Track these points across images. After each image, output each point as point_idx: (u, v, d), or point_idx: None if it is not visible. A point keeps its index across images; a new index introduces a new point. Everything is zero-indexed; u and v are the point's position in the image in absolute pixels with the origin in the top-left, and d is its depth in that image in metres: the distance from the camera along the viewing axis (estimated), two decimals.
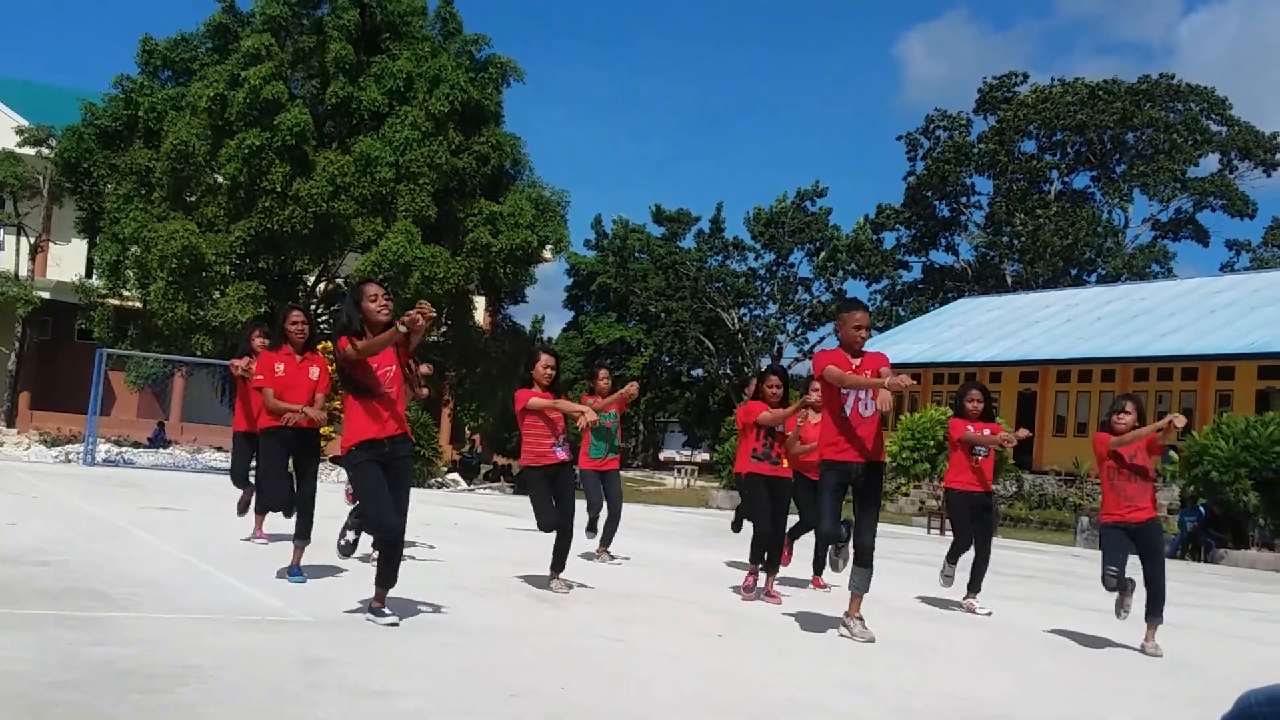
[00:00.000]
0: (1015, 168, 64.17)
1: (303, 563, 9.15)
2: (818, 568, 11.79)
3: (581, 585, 10.29)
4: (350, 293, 7.79)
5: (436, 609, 8.28)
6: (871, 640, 8.32)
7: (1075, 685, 7.51)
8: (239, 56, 33.25)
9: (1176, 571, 20.49)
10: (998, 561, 18.79)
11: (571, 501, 9.80)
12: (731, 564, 13.37)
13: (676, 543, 17.23)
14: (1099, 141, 64.14)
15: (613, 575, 11.66)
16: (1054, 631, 9.95)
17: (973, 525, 11.07)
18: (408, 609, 8.14)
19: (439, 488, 31.22)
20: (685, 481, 44.76)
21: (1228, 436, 24.65)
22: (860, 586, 8.53)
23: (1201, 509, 25.03)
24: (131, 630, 6.65)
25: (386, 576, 7.55)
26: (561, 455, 9.76)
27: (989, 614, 10.78)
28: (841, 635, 8.49)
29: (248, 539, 11.62)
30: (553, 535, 9.74)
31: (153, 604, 7.72)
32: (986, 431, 10.94)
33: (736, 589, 10.73)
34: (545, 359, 9.96)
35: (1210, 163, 64.46)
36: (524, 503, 10.33)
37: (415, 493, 18.99)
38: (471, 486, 33.64)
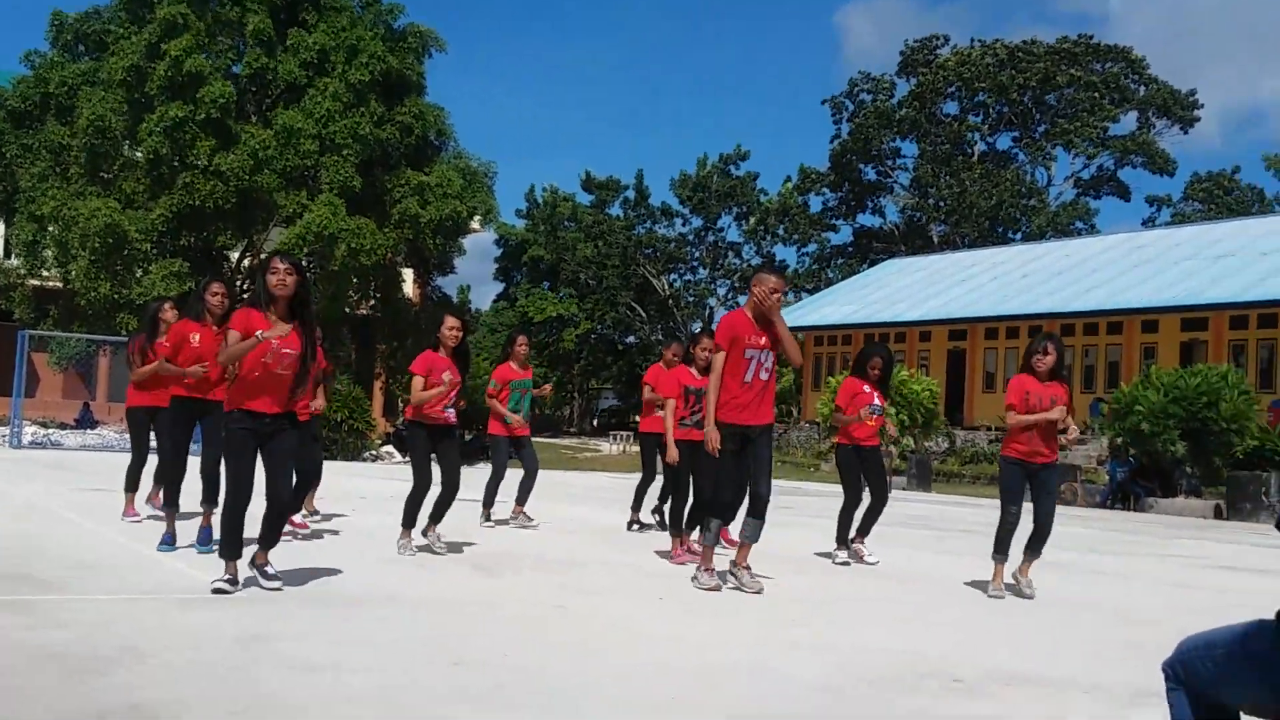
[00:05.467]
0: (939, 130, 64.61)
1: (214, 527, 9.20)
2: (689, 528, 11.73)
3: (514, 554, 10.27)
4: (261, 265, 7.75)
5: (374, 582, 8.22)
6: (759, 591, 8.59)
7: (1016, 636, 7.60)
8: (155, 26, 32.57)
9: (1108, 521, 20.90)
10: (933, 516, 19.04)
11: (457, 461, 9.92)
12: (645, 525, 13.41)
13: (612, 509, 17.24)
14: (1020, 102, 64.71)
15: (550, 543, 11.65)
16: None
17: (861, 479, 11.27)
18: (348, 583, 8.09)
19: (374, 460, 31.02)
20: (620, 448, 44.82)
21: (1157, 388, 25.04)
22: (752, 536, 8.82)
23: (1131, 459, 25.43)
24: (67, 613, 6.54)
25: (268, 541, 7.66)
26: (450, 417, 9.86)
27: (876, 562, 11.02)
28: (729, 587, 8.78)
29: (133, 519, 11.40)
30: (436, 492, 9.86)
31: (88, 586, 7.60)
32: (877, 399, 11.13)
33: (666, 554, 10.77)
34: (450, 320, 10.04)
35: (1130, 121, 65.34)
36: (465, 473, 10.30)
37: (350, 466, 18.82)
38: (406, 458, 33.44)
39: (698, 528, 11.01)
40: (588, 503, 18.20)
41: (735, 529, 9.50)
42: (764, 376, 8.80)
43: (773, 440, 9.13)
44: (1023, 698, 5.75)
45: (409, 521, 9.96)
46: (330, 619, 6.77)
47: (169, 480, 9.79)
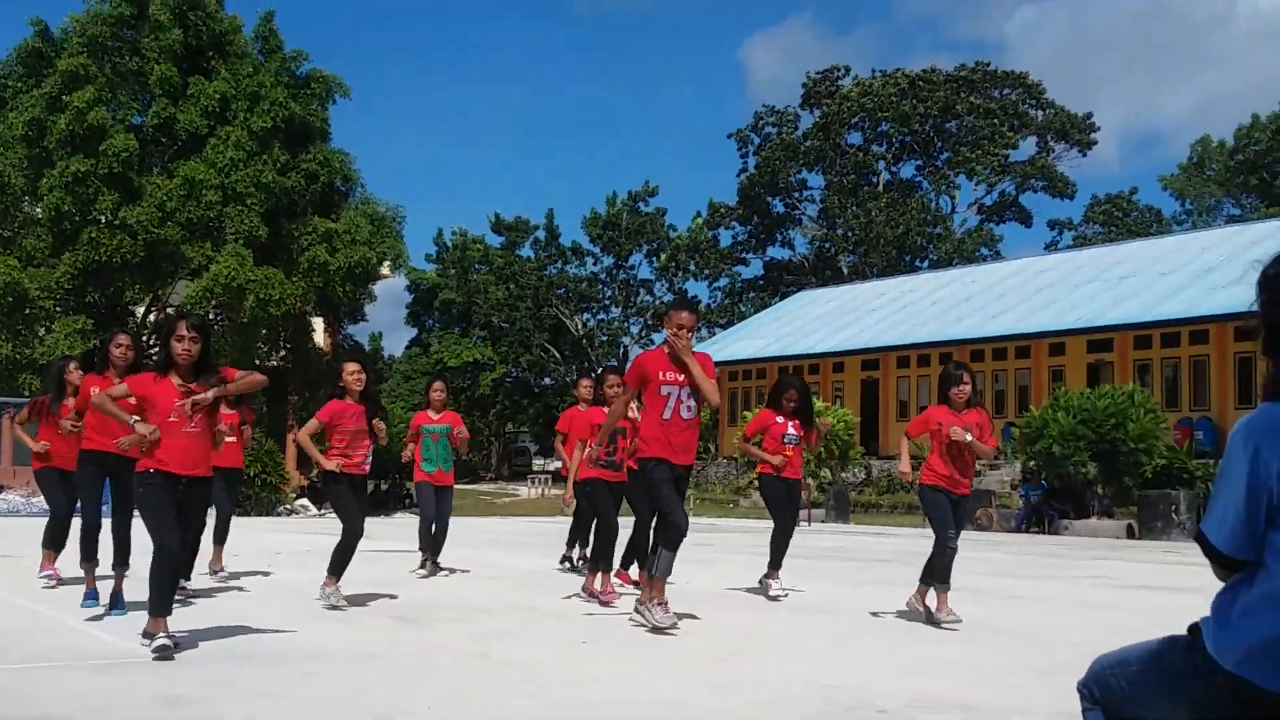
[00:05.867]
0: (844, 160, 65.38)
1: (125, 595, 9.09)
2: (626, 564, 11.76)
3: (435, 602, 10.20)
4: (165, 326, 7.68)
5: (295, 638, 8.12)
6: (675, 626, 8.47)
7: (932, 663, 7.66)
8: (56, 79, 32.12)
9: (1023, 544, 21.12)
10: (853, 546, 19.17)
11: (364, 512, 9.98)
12: (562, 569, 13.41)
13: (534, 553, 17.17)
14: (922, 130, 65.67)
15: (471, 589, 11.58)
16: (909, 613, 10.13)
17: (786, 508, 11.30)
18: (268, 640, 7.98)
19: (289, 515, 30.62)
20: (539, 491, 44.65)
21: (1065, 409, 25.41)
22: (665, 570, 8.68)
23: (1044, 483, 25.77)
24: None
25: (160, 603, 7.35)
26: (366, 468, 9.91)
27: (785, 594, 10.96)
28: (634, 622, 8.68)
29: (46, 577, 11.16)
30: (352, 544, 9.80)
31: (1, 654, 7.44)
32: (792, 428, 11.18)
33: (591, 596, 10.72)
34: (350, 366, 10.00)
35: (1029, 146, 66.54)
36: (381, 524, 10.22)
37: (265, 521, 18.56)
38: (321, 511, 33.06)
39: (619, 564, 11.02)
40: (508, 548, 18.10)
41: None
42: (685, 415, 8.73)
43: (689, 478, 9.13)
44: None
45: (337, 570, 9.82)
46: (250, 677, 6.67)
47: (83, 532, 9.55)
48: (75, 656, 7.41)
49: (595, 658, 7.69)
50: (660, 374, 8.72)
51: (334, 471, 9.77)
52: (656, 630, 8.44)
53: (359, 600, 10.22)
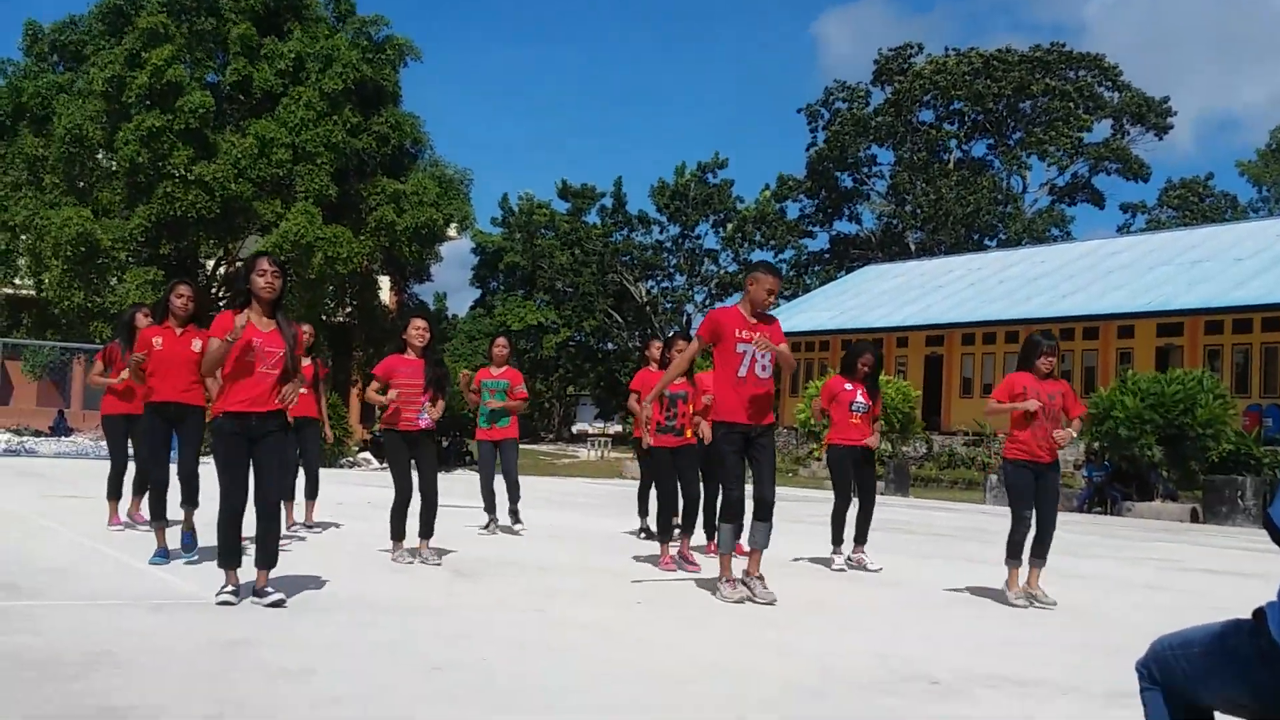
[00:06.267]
0: (914, 137, 64.77)
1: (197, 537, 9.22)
2: (711, 533, 11.51)
3: (494, 559, 10.26)
4: (245, 264, 7.69)
5: (353, 588, 8.19)
6: (773, 601, 8.33)
7: (994, 639, 7.61)
8: (135, 36, 32.43)
9: (1086, 524, 20.95)
10: (913, 521, 19.07)
11: (434, 468, 9.89)
12: (630, 533, 13.41)
13: (591, 514, 17.24)
14: (995, 110, 64.87)
15: (530, 548, 11.63)
16: (970, 588, 10.08)
17: (854, 479, 11.16)
18: (326, 589, 8.06)
19: (351, 467, 30.94)
20: (599, 453, 44.82)
21: (1133, 393, 25.14)
22: (762, 542, 8.55)
23: (1107, 464, 25.52)
24: (42, 619, 6.51)
25: (227, 556, 7.41)
26: (424, 423, 9.78)
27: (879, 569, 10.86)
28: (741, 598, 8.42)
29: (116, 529, 11.31)
30: (416, 502, 9.77)
31: (62, 592, 7.56)
32: (860, 395, 11.04)
33: (653, 559, 10.72)
34: (416, 322, 10.04)
35: (1104, 128, 65.58)
36: (441, 481, 10.27)
37: (328, 473, 18.80)
38: (383, 465, 33.39)
39: (677, 532, 10.93)
40: (568, 508, 18.18)
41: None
42: (761, 374, 8.50)
43: (774, 443, 8.85)
44: (1000, 698, 5.76)
45: (398, 534, 9.90)
46: (307, 625, 6.73)
47: (152, 490, 9.58)
48: (138, 596, 7.52)
49: (653, 621, 7.70)
50: (736, 330, 8.48)
51: (390, 428, 9.80)
52: (748, 601, 8.35)
53: (416, 553, 10.28)
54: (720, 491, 8.85)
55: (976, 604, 9.24)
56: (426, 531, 9.87)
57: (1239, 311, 32.52)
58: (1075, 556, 13.96)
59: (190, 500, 9.25)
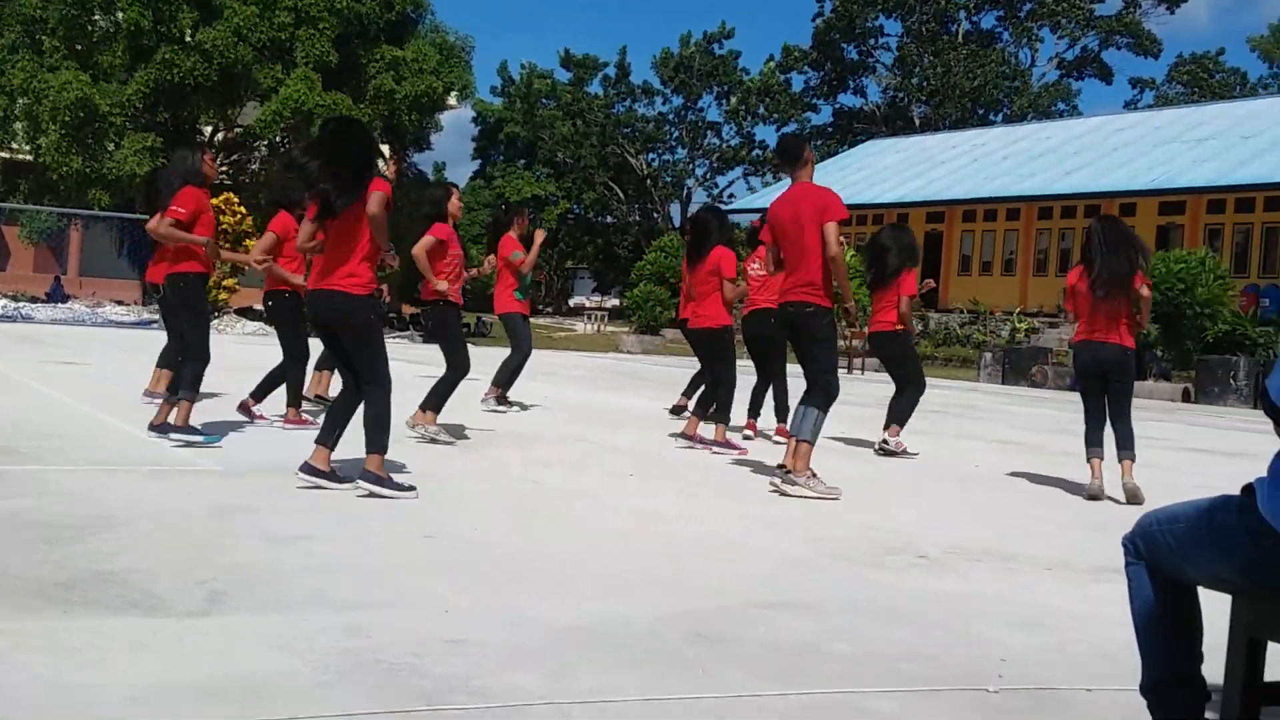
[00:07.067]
0: (923, 8, 63.72)
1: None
2: (754, 412, 11.28)
3: (490, 430, 10.32)
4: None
5: (353, 457, 8.25)
6: (837, 497, 7.75)
7: (984, 514, 7.69)
8: None
9: (1077, 402, 20.80)
10: None
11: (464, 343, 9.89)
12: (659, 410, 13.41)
13: (587, 387, 17.31)
14: None
15: (525, 419, 11.69)
16: (962, 463, 10.15)
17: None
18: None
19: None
20: (595, 327, 44.82)
21: None
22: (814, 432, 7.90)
23: None
24: (39, 482, 6.56)
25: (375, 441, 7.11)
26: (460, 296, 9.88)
27: (916, 454, 10.49)
28: (796, 494, 7.69)
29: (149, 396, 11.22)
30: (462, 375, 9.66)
31: (60, 456, 7.62)
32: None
33: (647, 432, 10.76)
34: (456, 195, 10.09)
35: (1116, 1, 64.55)
36: (433, 351, 10.23)
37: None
38: (420, 340, 33.40)
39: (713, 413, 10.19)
40: (565, 381, 18.24)
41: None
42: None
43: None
44: (986, 572, 5.84)
45: (436, 405, 9.44)
46: (303, 493, 6.79)
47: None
48: (135, 462, 7.59)
49: (648, 492, 7.76)
50: None
51: (445, 300, 9.64)
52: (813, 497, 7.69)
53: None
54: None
55: (968, 479, 9.31)
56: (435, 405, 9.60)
57: (1243, 190, 32.33)
58: (1068, 434, 14.02)
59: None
